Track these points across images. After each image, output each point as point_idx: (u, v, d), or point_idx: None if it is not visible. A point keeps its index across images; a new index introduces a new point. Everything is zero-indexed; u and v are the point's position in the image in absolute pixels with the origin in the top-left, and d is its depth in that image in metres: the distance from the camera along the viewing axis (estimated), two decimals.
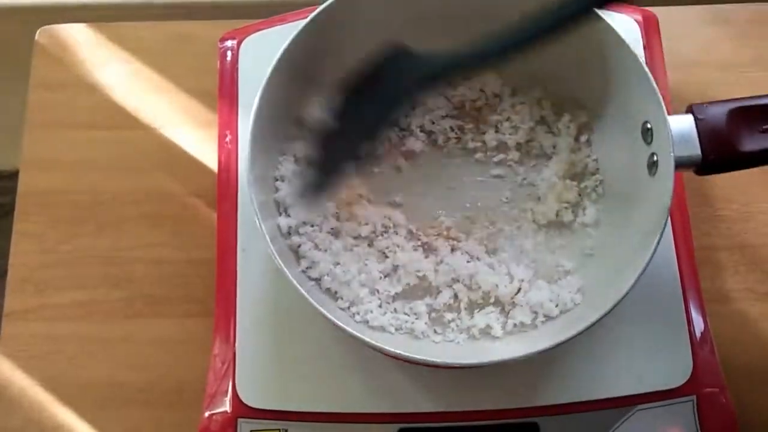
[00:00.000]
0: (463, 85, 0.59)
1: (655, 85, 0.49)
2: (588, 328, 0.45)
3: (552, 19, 0.46)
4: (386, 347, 0.45)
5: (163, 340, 0.57)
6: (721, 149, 0.49)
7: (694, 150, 0.49)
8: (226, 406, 0.51)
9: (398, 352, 0.45)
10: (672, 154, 0.47)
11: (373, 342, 0.46)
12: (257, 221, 0.48)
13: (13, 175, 0.62)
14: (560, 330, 0.48)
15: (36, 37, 0.66)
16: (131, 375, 0.57)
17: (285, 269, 0.46)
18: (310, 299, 0.46)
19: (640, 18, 0.60)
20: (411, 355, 0.45)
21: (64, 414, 0.56)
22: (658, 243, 0.46)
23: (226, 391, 0.52)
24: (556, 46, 0.49)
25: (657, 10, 0.62)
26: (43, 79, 0.65)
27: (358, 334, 0.46)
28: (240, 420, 0.51)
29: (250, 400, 0.51)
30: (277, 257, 0.47)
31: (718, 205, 0.62)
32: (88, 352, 0.57)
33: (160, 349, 0.57)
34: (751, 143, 0.49)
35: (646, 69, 0.49)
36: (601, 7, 0.46)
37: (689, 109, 0.50)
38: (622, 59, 0.50)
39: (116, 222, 0.61)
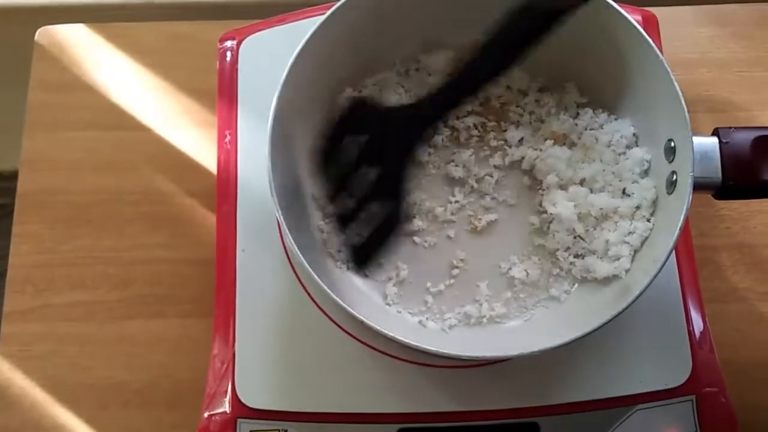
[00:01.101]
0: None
1: (684, 103, 0.48)
2: (585, 336, 0.45)
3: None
4: (407, 340, 0.45)
5: (162, 340, 0.57)
6: (743, 176, 0.49)
7: (715, 173, 0.49)
8: (226, 407, 0.51)
9: (423, 346, 0.45)
10: (692, 174, 0.47)
11: (397, 336, 0.45)
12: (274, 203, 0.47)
13: (12, 176, 0.62)
14: (559, 332, 0.49)
15: (35, 38, 0.66)
16: (131, 375, 0.57)
17: (304, 262, 0.46)
18: (330, 293, 0.46)
19: (639, 18, 0.60)
20: (430, 348, 0.45)
21: (63, 414, 0.56)
22: (665, 263, 0.46)
23: (226, 392, 0.52)
24: (588, 53, 0.51)
25: (657, 10, 0.62)
26: (42, 80, 0.65)
27: (380, 328, 0.45)
28: (239, 420, 0.51)
29: (250, 400, 0.51)
30: (294, 245, 0.46)
31: (719, 205, 0.62)
32: (88, 352, 0.57)
33: (159, 349, 0.57)
34: None
35: (677, 87, 0.48)
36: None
37: (715, 132, 0.50)
38: (656, 74, 0.50)
39: (116, 222, 0.61)
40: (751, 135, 0.50)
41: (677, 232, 0.46)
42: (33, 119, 0.64)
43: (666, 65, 0.49)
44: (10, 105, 0.69)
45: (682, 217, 0.46)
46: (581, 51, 0.54)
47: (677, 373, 0.52)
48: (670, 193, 0.50)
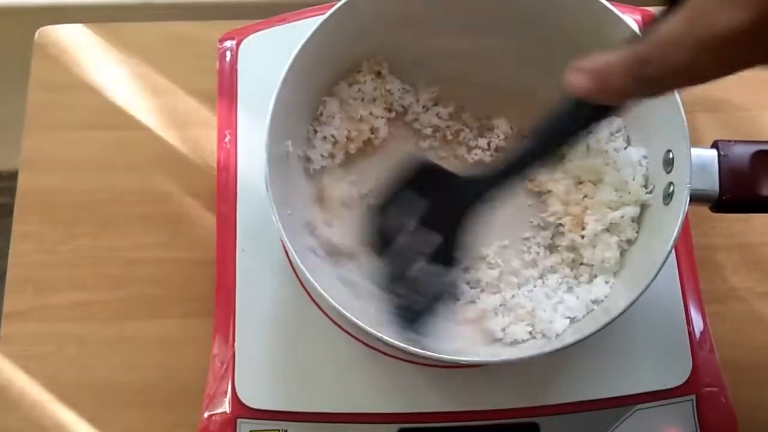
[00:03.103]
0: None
1: (683, 114, 0.48)
2: (578, 342, 0.46)
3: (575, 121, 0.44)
4: (401, 344, 0.45)
5: (162, 340, 0.57)
6: (740, 190, 0.49)
7: (712, 187, 0.49)
8: (226, 407, 0.51)
9: (419, 351, 0.45)
10: (689, 186, 0.47)
11: (391, 340, 0.45)
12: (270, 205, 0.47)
13: (12, 176, 0.62)
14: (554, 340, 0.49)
15: (35, 38, 0.66)
16: (131, 375, 0.57)
17: (299, 260, 0.46)
18: (328, 297, 0.46)
19: (638, 18, 0.60)
20: (432, 354, 0.45)
21: (63, 414, 0.56)
22: (658, 272, 0.46)
23: (226, 392, 0.52)
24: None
25: (656, 11, 0.62)
26: (42, 80, 0.65)
27: (375, 332, 0.45)
28: (239, 420, 0.51)
29: (250, 400, 0.51)
30: (290, 245, 0.46)
31: None
32: (88, 352, 0.57)
33: (159, 349, 0.57)
34: None
35: (677, 96, 0.48)
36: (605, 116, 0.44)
37: (714, 144, 0.50)
38: None
39: (116, 222, 0.60)
40: (751, 149, 0.49)
41: (671, 243, 0.46)
42: (33, 119, 0.64)
43: None
44: (10, 105, 0.69)
45: (676, 229, 0.46)
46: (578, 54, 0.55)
47: (677, 373, 0.52)
48: (666, 204, 0.50)
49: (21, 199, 0.61)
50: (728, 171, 0.49)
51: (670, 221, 0.47)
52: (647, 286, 0.45)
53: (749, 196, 0.49)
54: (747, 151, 0.49)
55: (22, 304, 0.58)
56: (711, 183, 0.49)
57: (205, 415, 0.52)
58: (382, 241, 0.51)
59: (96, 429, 0.55)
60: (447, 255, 0.50)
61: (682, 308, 0.54)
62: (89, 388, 0.56)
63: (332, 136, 0.55)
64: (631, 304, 0.45)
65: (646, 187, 0.52)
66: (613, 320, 0.45)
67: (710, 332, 0.54)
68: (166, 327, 0.58)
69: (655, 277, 0.45)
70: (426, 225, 0.50)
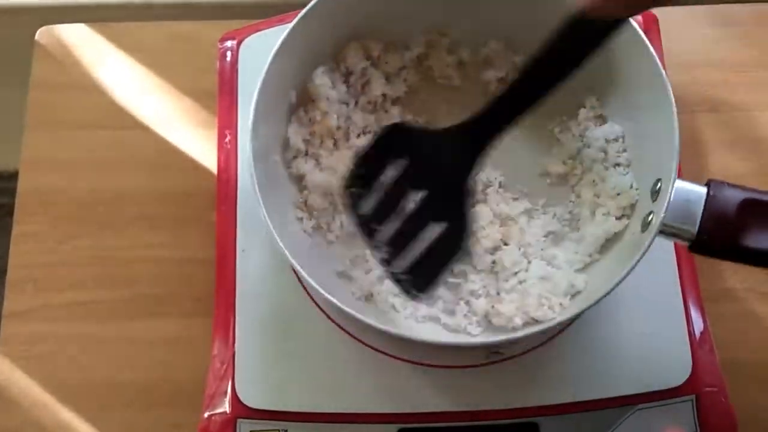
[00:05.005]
0: None
1: (677, 144, 0.47)
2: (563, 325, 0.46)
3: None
4: (408, 334, 0.46)
5: (162, 340, 0.57)
6: (720, 234, 0.46)
7: (692, 225, 0.46)
8: (226, 407, 0.51)
9: (424, 338, 0.46)
10: (662, 216, 0.45)
11: (397, 332, 0.46)
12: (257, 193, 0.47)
13: (13, 176, 0.62)
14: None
15: (36, 37, 0.66)
16: (131, 375, 0.57)
17: (297, 264, 0.46)
18: (322, 291, 0.46)
19: (640, 18, 0.60)
20: (439, 340, 0.46)
21: (63, 414, 0.56)
22: (618, 284, 0.45)
23: (226, 392, 0.52)
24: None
25: (657, 11, 0.62)
26: (43, 79, 0.65)
27: (381, 326, 0.45)
28: (239, 420, 0.51)
29: (250, 400, 0.51)
30: (281, 243, 0.46)
31: None
32: (88, 352, 0.57)
33: (159, 349, 0.57)
34: (756, 241, 0.46)
35: (676, 125, 0.47)
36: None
37: (707, 183, 0.47)
38: (658, 110, 0.49)
39: (116, 222, 0.61)
40: (742, 195, 0.47)
41: (627, 272, 0.45)
42: (33, 119, 0.64)
43: (673, 107, 0.48)
44: (11, 105, 0.69)
45: (636, 258, 0.45)
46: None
47: (677, 373, 0.52)
48: (642, 231, 0.48)
49: (21, 198, 0.61)
50: (713, 212, 0.46)
51: (640, 249, 0.46)
52: (614, 286, 0.45)
53: (728, 243, 0.46)
54: (737, 196, 0.46)
55: (22, 304, 0.58)
56: (691, 220, 0.46)
57: (205, 415, 0.52)
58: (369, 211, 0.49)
59: (96, 429, 0.55)
60: (443, 211, 0.48)
61: (682, 308, 0.54)
62: (89, 388, 0.56)
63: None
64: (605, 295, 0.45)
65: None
66: (591, 306, 0.45)
67: (710, 332, 0.54)
68: (166, 327, 0.58)
69: (605, 295, 0.45)
70: (413, 185, 0.48)
